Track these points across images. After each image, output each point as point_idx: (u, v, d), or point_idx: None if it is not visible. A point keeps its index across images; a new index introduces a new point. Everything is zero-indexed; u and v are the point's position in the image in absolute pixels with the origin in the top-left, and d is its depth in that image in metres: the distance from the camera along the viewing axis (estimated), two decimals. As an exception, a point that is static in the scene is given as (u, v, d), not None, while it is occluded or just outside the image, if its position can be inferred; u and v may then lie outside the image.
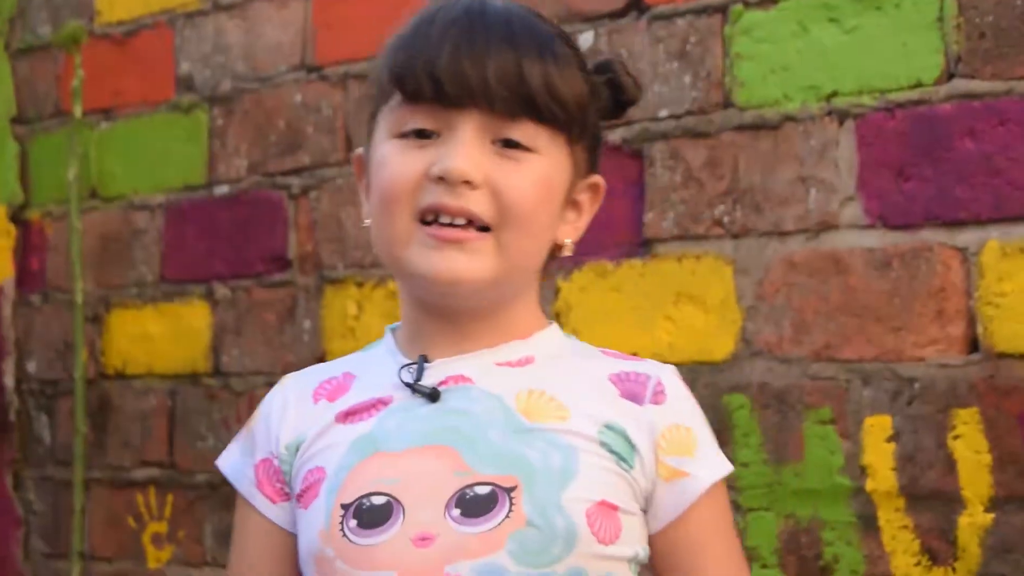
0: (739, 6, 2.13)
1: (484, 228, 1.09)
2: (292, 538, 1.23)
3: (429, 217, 1.09)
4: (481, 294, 1.14)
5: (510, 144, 1.10)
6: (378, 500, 1.11)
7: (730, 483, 1.97)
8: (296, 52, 2.97)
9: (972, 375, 1.83)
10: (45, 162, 3.42)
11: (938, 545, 2.07)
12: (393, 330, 1.27)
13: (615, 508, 1.10)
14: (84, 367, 3.25)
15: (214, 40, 3.05)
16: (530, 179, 1.11)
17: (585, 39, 2.23)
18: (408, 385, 1.15)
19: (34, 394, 3.47)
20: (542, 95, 1.09)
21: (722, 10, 2.16)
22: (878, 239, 2.13)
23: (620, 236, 2.41)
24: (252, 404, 2.65)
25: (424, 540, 1.10)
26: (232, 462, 1.31)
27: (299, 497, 1.22)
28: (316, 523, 1.14)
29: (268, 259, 2.95)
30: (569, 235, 1.23)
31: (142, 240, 3.22)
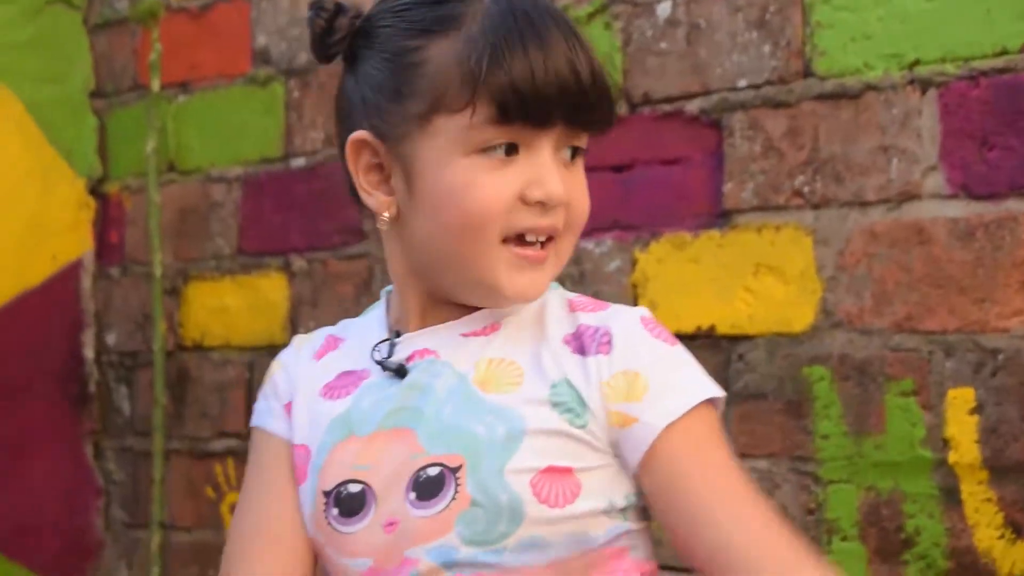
0: (819, -25, 2.16)
1: (553, 239, 1.16)
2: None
3: (517, 235, 1.12)
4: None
5: (575, 151, 1.15)
6: (354, 488, 1.17)
7: (809, 455, 2.01)
8: None
9: (1057, 346, 1.84)
10: (123, 136, 3.44)
11: (1022, 518, 2.08)
12: (388, 293, 1.34)
13: (568, 470, 1.13)
14: (163, 339, 3.31)
15: (290, 13, 3.04)
16: (584, 186, 1.17)
17: (663, 8, 2.26)
18: (378, 363, 1.21)
19: (113, 366, 3.52)
20: (608, 112, 1.16)
21: (802, -22, 2.21)
22: (961, 209, 2.13)
23: (698, 207, 2.42)
24: None
25: (391, 525, 1.16)
26: (259, 412, 1.36)
27: (296, 470, 1.30)
28: (307, 507, 1.22)
29: (344, 231, 2.99)
30: None
31: (219, 213, 3.26)
